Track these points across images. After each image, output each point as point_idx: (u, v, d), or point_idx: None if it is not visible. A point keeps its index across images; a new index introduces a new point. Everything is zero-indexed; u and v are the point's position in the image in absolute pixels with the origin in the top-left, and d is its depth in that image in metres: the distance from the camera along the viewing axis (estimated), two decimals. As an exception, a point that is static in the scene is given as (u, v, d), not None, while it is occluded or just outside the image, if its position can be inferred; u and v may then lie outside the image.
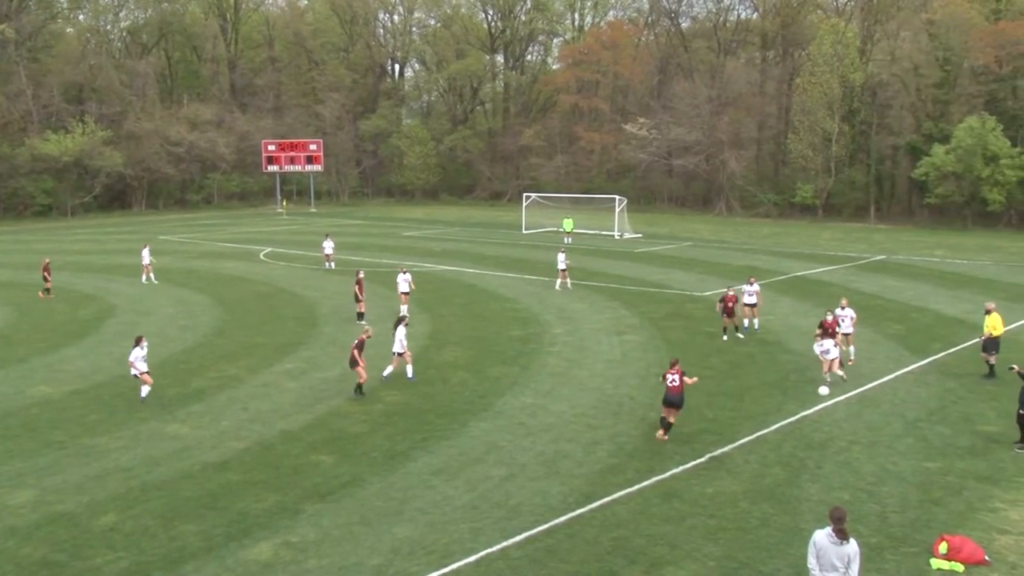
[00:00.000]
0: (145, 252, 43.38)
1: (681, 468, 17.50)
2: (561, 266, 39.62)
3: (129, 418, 21.21)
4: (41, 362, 27.17)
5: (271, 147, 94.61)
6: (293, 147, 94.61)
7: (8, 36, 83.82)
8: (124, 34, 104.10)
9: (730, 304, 29.14)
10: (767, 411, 21.21)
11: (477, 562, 13.67)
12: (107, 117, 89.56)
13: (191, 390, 23.56)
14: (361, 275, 33.81)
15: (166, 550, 14.18)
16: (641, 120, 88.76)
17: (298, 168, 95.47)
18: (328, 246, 46.31)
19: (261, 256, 53.87)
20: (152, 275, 43.10)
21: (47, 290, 39.27)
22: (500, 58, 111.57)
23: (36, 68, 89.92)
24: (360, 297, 32.89)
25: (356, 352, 22.54)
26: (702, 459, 17.98)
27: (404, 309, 33.50)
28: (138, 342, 22.80)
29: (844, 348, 25.08)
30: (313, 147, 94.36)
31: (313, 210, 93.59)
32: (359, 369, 22.62)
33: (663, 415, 19.39)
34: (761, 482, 16.76)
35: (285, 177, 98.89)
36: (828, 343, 23.20)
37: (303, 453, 18.64)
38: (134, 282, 43.00)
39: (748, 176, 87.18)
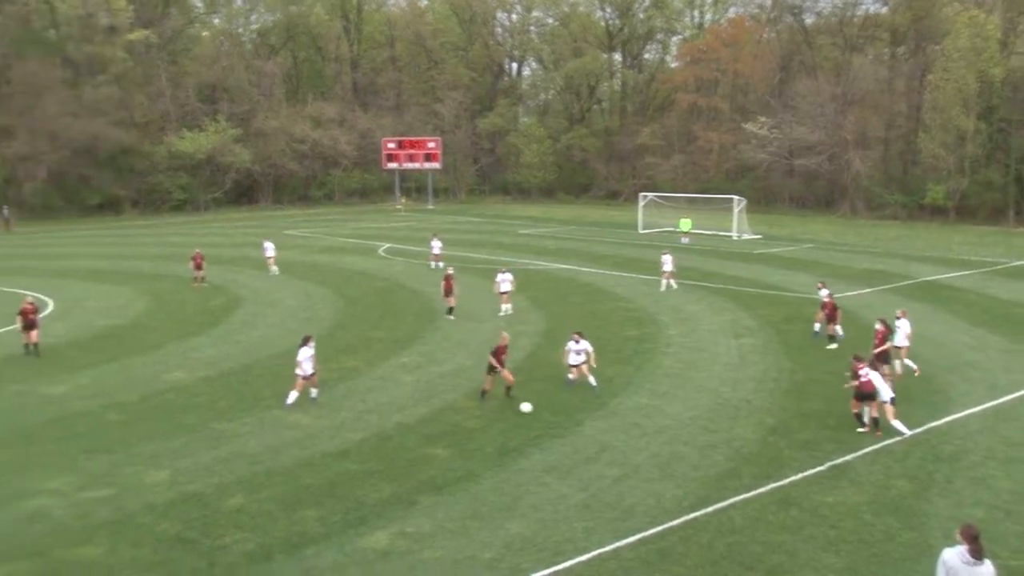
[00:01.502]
0: (268, 245, 45.06)
1: (800, 476, 17.04)
2: (667, 267, 39.14)
3: (255, 406, 22.06)
4: (175, 349, 28.54)
5: (391, 145, 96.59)
6: (412, 145, 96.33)
7: (152, 41, 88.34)
8: (254, 36, 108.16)
9: (828, 311, 28.47)
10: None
11: (589, 561, 13.64)
12: (237, 116, 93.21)
13: (320, 379, 24.25)
14: (451, 271, 34.18)
15: (288, 533, 14.69)
16: (761, 119, 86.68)
17: (417, 165, 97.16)
18: (436, 245, 46.90)
19: (380, 252, 55.10)
20: (275, 267, 44.69)
21: (200, 279, 41.52)
22: (618, 56, 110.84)
23: (175, 70, 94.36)
24: (449, 293, 33.19)
25: (495, 359, 22.15)
26: (822, 467, 17.46)
27: (506, 308, 33.75)
28: (306, 341, 22.15)
29: (896, 365, 23.57)
30: (432, 145, 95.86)
31: (431, 207, 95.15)
32: (505, 374, 22.20)
33: (855, 410, 19.71)
34: (886, 494, 16.15)
35: (404, 174, 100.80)
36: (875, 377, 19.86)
37: (418, 446, 18.99)
38: (260, 274, 44.66)
39: (874, 176, 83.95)
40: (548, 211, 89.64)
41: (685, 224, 60.73)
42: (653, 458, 18.03)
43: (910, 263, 48.44)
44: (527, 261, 49.33)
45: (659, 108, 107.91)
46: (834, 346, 27.90)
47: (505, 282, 33.91)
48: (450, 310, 33.26)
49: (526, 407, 20.03)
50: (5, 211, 75.24)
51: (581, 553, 13.86)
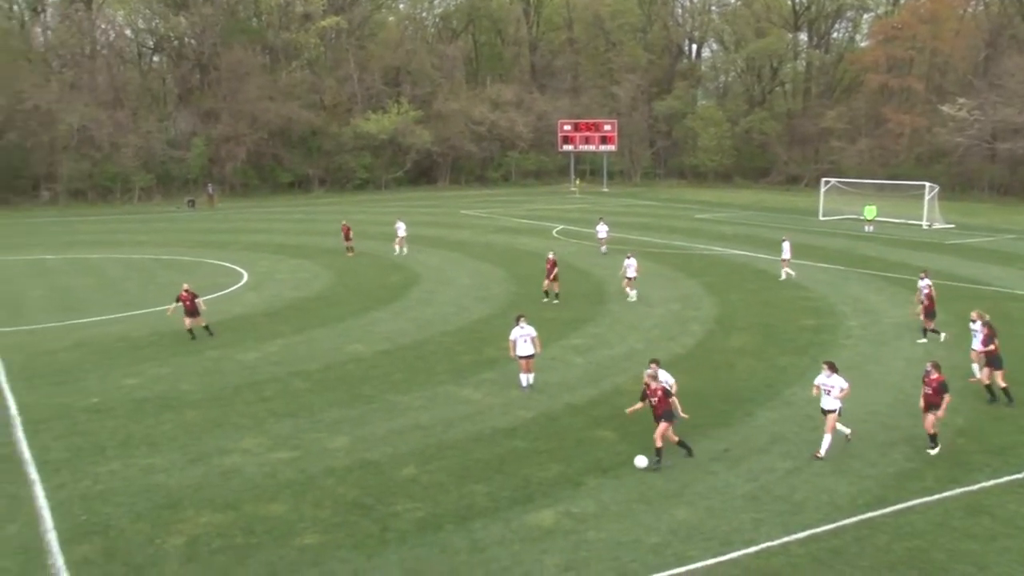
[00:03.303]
0: (400, 225, 46.35)
1: (992, 482, 15.96)
2: (785, 255, 37.80)
3: (428, 380, 22.82)
4: (355, 323, 29.91)
5: (567, 127, 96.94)
6: (588, 127, 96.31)
7: (342, 27, 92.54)
8: (437, 20, 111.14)
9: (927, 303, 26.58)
10: (1100, 429, 18.79)
11: (757, 554, 13.34)
12: (419, 98, 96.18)
13: (484, 358, 24.85)
14: (552, 256, 33.67)
15: (457, 506, 15.14)
16: (961, 100, 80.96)
17: (592, 148, 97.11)
18: (602, 230, 46.58)
19: (554, 233, 55.53)
20: (404, 248, 45.74)
21: (350, 248, 45.01)
22: (803, 36, 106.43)
23: (362, 55, 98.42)
24: (551, 277, 32.86)
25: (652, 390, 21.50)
26: (1019, 475, 16.28)
27: (632, 294, 33.24)
28: (518, 320, 22.13)
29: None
30: (608, 127, 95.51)
31: (605, 190, 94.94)
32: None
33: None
34: (1090, 508, 14.90)
35: (579, 157, 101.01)
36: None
37: (586, 427, 19.11)
38: (437, 252, 46.03)
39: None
40: (724, 196, 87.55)
41: (870, 211, 57.79)
42: (826, 453, 17.36)
43: None
44: (702, 246, 48.42)
45: (846, 90, 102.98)
46: (923, 341, 26.23)
47: (631, 267, 33.39)
48: (555, 295, 33.01)
49: (640, 462, 16.60)
50: (210, 188, 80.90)
51: (748, 545, 13.58)
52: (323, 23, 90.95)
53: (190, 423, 19.52)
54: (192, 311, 27.45)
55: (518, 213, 69.24)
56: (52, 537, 14.10)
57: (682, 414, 17.82)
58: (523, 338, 21.75)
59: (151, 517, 14.78)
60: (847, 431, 17.81)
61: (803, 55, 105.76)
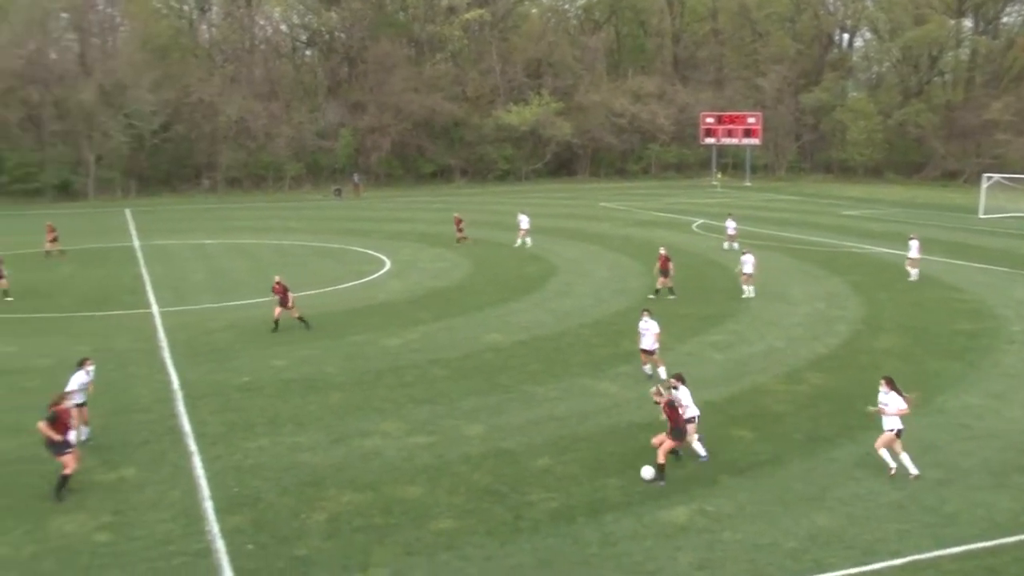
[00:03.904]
0: (522, 217, 46.47)
1: None
2: (913, 254, 35.78)
3: (565, 372, 22.90)
4: (494, 312, 30.31)
5: (709, 119, 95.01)
6: (731, 120, 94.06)
7: (485, 19, 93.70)
8: (579, 12, 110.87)
9: None
10: None
11: (903, 566, 12.79)
12: (560, 90, 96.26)
13: (621, 351, 24.73)
14: (663, 251, 32.92)
15: (590, 499, 15.16)
16: None
17: (735, 141, 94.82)
18: (731, 225, 45.28)
19: (693, 227, 54.64)
20: (528, 239, 45.79)
21: (462, 238, 46.31)
22: (968, 22, 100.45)
23: (505, 47, 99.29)
24: (665, 274, 32.21)
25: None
26: None
27: (748, 291, 32.13)
28: (643, 314, 22.26)
29: None
30: (751, 120, 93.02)
31: (748, 184, 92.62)
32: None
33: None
34: None
35: (721, 150, 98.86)
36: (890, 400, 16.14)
37: (723, 425, 18.76)
38: (575, 244, 46.06)
39: None
40: (874, 191, 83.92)
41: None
42: (983, 464, 16.45)
43: None
44: (849, 244, 46.60)
45: (1015, 79, 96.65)
46: None
47: (748, 263, 32.38)
48: (669, 290, 32.38)
49: (647, 473, 15.95)
50: (356, 178, 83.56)
51: (894, 556, 13.03)
52: (467, 16, 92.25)
53: (334, 404, 20.28)
54: (285, 301, 27.52)
55: (657, 206, 68.45)
56: (208, 506, 14.95)
57: (700, 451, 16.90)
58: (645, 331, 21.82)
59: (296, 493, 15.45)
60: (892, 465, 15.94)
61: (967, 42, 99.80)
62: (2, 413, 19.75)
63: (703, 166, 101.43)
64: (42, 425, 15.13)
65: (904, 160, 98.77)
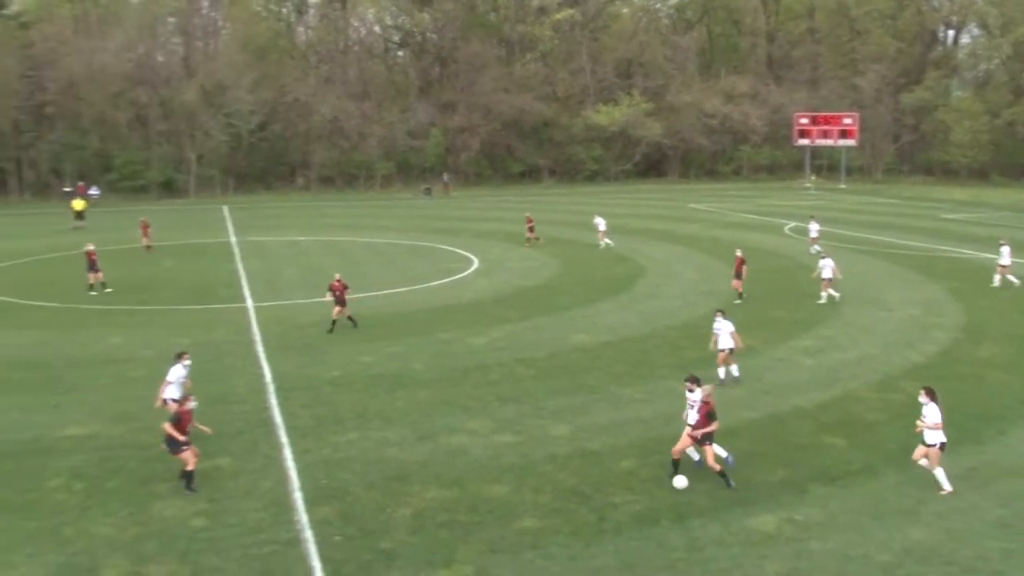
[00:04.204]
0: (599, 221, 46.20)
1: None
2: (1004, 261, 34.22)
3: (651, 373, 22.74)
4: (581, 312, 30.27)
5: (803, 120, 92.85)
6: (827, 120, 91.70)
7: (576, 19, 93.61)
8: (671, 11, 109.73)
9: None
10: None
11: (1006, 586, 12.30)
12: (650, 90, 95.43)
13: (708, 355, 24.24)
14: (740, 254, 32.30)
15: (675, 502, 15.01)
16: None
17: (830, 142, 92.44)
18: (814, 228, 44.09)
19: (785, 230, 53.54)
20: (608, 240, 45.48)
21: (532, 239, 46.45)
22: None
23: (595, 47, 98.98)
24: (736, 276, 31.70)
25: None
26: None
27: (825, 296, 31.17)
28: (717, 314, 22.18)
29: None
30: (848, 120, 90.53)
31: (842, 186, 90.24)
32: None
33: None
34: None
35: (816, 151, 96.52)
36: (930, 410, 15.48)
37: (814, 432, 18.35)
38: (663, 246, 45.64)
39: None
40: (978, 194, 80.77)
41: None
42: (1094, 483, 15.70)
43: None
44: (948, 248, 45.00)
45: None
46: None
47: (827, 268, 31.50)
48: (739, 294, 31.83)
49: (679, 482, 15.48)
50: (446, 177, 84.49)
51: None
52: (558, 16, 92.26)
53: (421, 401, 20.55)
54: (341, 300, 27.38)
55: (748, 208, 67.29)
56: (298, 497, 15.33)
57: (694, 455, 16.28)
58: (719, 331, 21.65)
59: (383, 487, 15.71)
60: (947, 487, 15.21)
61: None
62: (110, 402, 20.61)
63: (796, 168, 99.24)
64: (167, 426, 15.67)
65: (1012, 162, 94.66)
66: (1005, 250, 34.71)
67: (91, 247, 34.63)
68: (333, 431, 18.57)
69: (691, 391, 16.20)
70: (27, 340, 26.69)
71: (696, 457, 16.32)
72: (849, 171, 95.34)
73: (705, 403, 15.70)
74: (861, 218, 59.20)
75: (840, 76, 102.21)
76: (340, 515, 14.64)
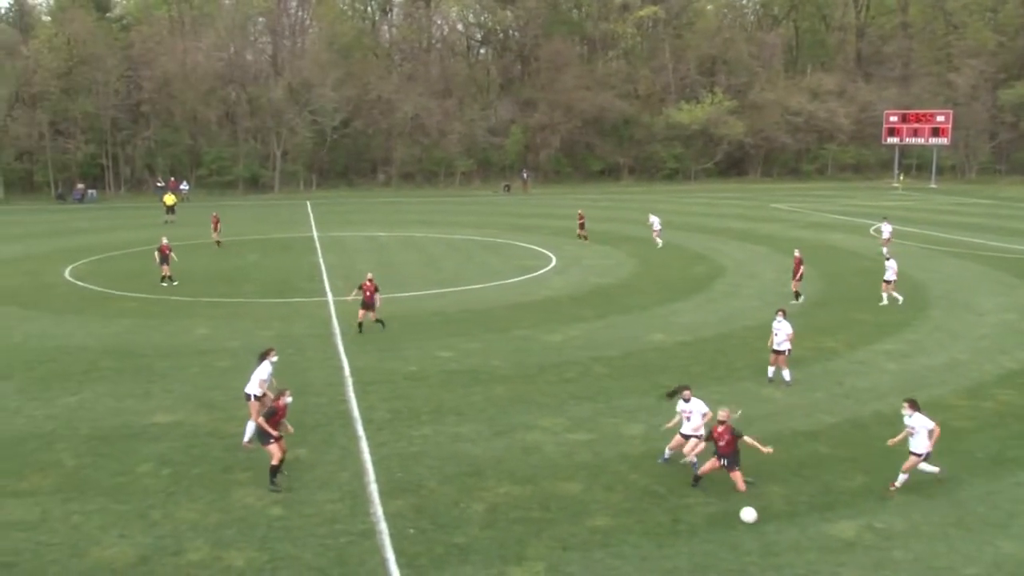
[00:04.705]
0: (654, 219, 45.88)
1: None
2: None
3: (728, 375, 22.40)
4: (657, 312, 30.01)
5: (893, 118, 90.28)
6: (918, 118, 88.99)
7: (659, 16, 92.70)
8: (757, 8, 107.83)
9: None
10: None
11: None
12: (734, 88, 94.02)
13: (790, 357, 23.90)
14: (798, 254, 31.60)
15: (751, 506, 14.73)
16: None
17: (921, 141, 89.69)
18: (886, 229, 42.79)
19: (871, 231, 52.11)
20: (660, 239, 45.01)
21: (583, 236, 46.82)
22: None
23: (678, 44, 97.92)
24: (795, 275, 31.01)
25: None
26: None
27: (886, 298, 30.18)
28: (778, 314, 21.88)
29: None
30: (940, 118, 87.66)
31: (933, 186, 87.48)
32: None
33: None
34: None
35: (905, 150, 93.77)
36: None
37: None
38: (743, 245, 44.91)
39: None
40: (1080, 195, 77.33)
41: None
42: None
43: None
44: (1046, 251, 43.23)
45: None
46: None
47: (890, 270, 30.68)
48: (796, 295, 31.14)
49: (749, 515, 14.29)
50: (525, 174, 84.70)
51: (1088, 592, 12.02)
52: (641, 13, 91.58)
53: (496, 397, 20.65)
54: (370, 303, 26.83)
55: (832, 208, 65.72)
56: (374, 489, 15.57)
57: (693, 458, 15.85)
58: (777, 331, 21.28)
59: (457, 482, 15.84)
60: (934, 469, 15.51)
61: None
62: (198, 391, 21.23)
63: (884, 167, 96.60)
64: (261, 420, 15.86)
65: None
66: None
67: (165, 241, 35.73)
68: (409, 425, 18.79)
69: (687, 400, 16.25)
70: (119, 329, 27.69)
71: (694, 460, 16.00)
72: (940, 171, 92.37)
73: (722, 423, 15.38)
74: (952, 219, 57.29)
75: (933, 72, 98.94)
76: (414, 508, 14.81)
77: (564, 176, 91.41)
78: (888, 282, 30.87)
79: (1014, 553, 13.13)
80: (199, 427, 18.69)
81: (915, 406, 15.49)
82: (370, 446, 17.58)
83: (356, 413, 19.60)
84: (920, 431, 15.25)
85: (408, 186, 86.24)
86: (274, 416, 15.77)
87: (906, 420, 15.48)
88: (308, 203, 70.97)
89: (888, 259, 31.73)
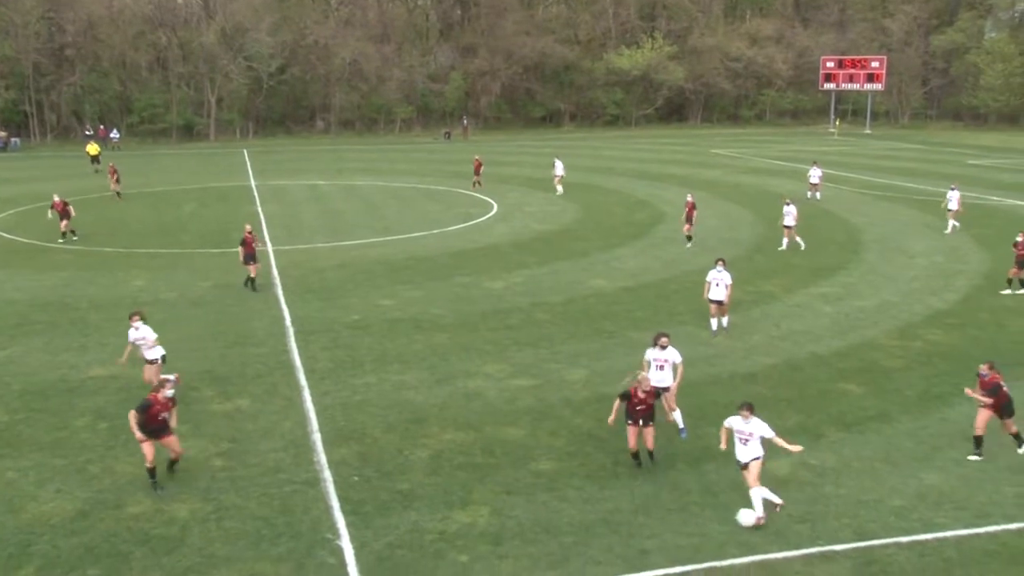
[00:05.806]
0: (558, 164, 45.90)
1: None
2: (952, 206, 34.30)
3: (670, 319, 22.69)
4: (599, 258, 30.20)
5: (829, 64, 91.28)
6: (853, 64, 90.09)
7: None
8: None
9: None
10: None
11: (1020, 531, 12.31)
12: (674, 33, 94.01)
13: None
14: (690, 198, 32.56)
15: (691, 447, 15.10)
16: None
17: (856, 86, 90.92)
18: (815, 174, 43.34)
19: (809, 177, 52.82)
20: (560, 187, 45.05)
21: (478, 183, 46.95)
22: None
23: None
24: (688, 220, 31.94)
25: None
26: None
27: (785, 244, 31.15)
28: (717, 263, 21.48)
29: None
30: (875, 64, 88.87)
31: (867, 131, 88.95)
32: None
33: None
34: None
35: (841, 96, 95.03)
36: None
37: (830, 379, 18.33)
38: (684, 191, 45.23)
39: None
40: (1007, 140, 79.40)
41: None
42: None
43: None
44: (975, 195, 44.31)
45: None
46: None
47: (789, 215, 31.16)
48: (688, 238, 31.90)
49: (746, 517, 12.63)
50: (465, 120, 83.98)
51: (1010, 521, 12.55)
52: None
53: (438, 345, 20.67)
54: (250, 255, 25.52)
55: (771, 154, 66.49)
56: (317, 438, 15.54)
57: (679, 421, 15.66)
58: (715, 282, 21.13)
59: (400, 429, 15.89)
60: (777, 501, 12.83)
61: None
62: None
63: (820, 113, 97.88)
64: (132, 413, 13.78)
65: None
66: (954, 195, 34.58)
67: (57, 198, 33.90)
68: (352, 374, 18.74)
69: (664, 348, 15.53)
70: (54, 282, 26.98)
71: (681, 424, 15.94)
72: (875, 116, 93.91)
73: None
74: (886, 164, 58.43)
75: (868, 18, 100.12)
76: (358, 456, 14.84)
77: (505, 123, 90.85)
78: (788, 227, 31.27)
79: (937, 484, 13.67)
80: (136, 380, 18.34)
81: (752, 409, 13.03)
82: (313, 395, 17.51)
83: (298, 363, 19.47)
84: (753, 438, 12.91)
85: (348, 133, 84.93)
86: (149, 410, 13.50)
87: (740, 424, 13.00)
88: (245, 151, 69.50)
89: (788, 204, 31.81)
